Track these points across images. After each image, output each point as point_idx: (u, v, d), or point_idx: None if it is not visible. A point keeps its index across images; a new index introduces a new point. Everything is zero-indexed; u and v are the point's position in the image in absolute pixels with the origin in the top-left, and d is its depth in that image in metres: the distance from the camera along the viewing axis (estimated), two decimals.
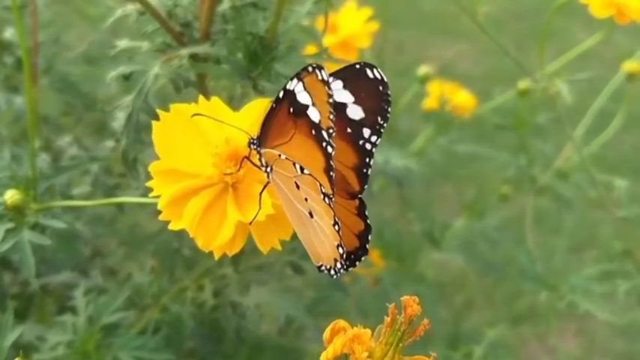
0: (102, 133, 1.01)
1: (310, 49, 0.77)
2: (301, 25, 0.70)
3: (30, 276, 0.59)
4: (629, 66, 1.19)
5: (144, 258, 0.81)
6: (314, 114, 0.43)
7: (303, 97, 0.43)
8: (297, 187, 0.46)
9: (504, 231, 1.21)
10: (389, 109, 0.50)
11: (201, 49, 0.65)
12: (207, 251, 0.48)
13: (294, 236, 0.88)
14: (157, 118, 0.50)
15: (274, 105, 0.46)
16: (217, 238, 0.46)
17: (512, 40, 2.14)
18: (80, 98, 0.99)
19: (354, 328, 0.46)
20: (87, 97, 0.99)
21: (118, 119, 0.63)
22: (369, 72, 0.49)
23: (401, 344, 0.45)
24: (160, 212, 0.47)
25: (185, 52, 0.65)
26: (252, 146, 0.48)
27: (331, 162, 0.44)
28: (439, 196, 1.86)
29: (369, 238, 0.51)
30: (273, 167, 0.47)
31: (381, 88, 0.49)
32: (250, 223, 0.47)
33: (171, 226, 0.47)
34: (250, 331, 0.87)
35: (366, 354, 0.45)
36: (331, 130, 0.44)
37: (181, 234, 0.76)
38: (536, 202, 1.17)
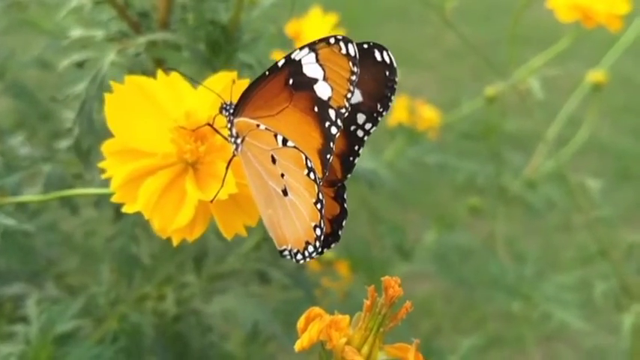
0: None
1: (277, 55, 0.74)
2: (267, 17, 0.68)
3: None
4: (594, 76, 1.19)
5: (101, 266, 0.77)
6: (323, 90, 0.40)
7: (311, 70, 0.40)
8: (274, 161, 0.42)
9: (476, 242, 1.19)
10: (392, 97, 0.46)
11: (160, 36, 0.62)
12: (164, 237, 0.44)
13: (261, 244, 0.86)
14: None
15: (268, 73, 0.42)
16: (176, 220, 0.43)
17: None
18: (35, 105, 0.95)
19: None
20: (41, 104, 0.95)
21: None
22: (377, 54, 0.45)
23: (382, 329, 0.42)
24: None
25: (143, 39, 0.62)
26: (223, 112, 0.44)
27: (331, 144, 0.41)
28: (409, 209, 1.84)
29: (343, 224, 0.47)
30: (246, 138, 0.43)
31: (387, 73, 0.45)
32: (212, 202, 0.43)
33: (126, 209, 0.43)
34: (216, 345, 0.83)
35: (344, 340, 0.42)
36: (343, 110, 0.40)
37: (139, 238, 0.72)
38: (507, 211, 1.15)
